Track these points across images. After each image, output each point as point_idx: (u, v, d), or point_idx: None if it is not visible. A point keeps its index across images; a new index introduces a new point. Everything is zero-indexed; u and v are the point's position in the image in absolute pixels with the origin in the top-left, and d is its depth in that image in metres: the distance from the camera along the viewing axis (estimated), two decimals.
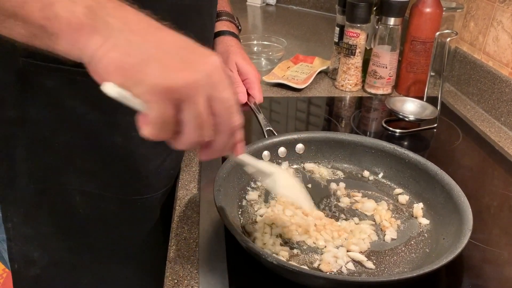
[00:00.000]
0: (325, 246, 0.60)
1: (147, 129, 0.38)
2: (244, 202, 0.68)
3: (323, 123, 1.01)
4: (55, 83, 0.59)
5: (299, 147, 0.78)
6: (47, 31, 0.37)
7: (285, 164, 0.77)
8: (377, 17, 1.06)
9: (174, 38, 0.39)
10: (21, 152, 0.63)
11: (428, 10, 1.01)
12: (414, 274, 0.51)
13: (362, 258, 0.59)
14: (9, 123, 0.62)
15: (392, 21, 1.02)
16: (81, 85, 0.57)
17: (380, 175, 0.76)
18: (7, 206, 0.68)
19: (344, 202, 0.70)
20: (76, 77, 0.58)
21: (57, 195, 0.66)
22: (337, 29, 1.14)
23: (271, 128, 0.82)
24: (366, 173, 0.76)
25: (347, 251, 0.60)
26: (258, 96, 0.79)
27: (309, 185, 0.73)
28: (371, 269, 0.58)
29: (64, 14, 0.36)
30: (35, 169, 0.64)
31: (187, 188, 0.73)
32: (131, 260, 0.75)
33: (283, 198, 0.67)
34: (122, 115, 0.61)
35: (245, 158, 0.51)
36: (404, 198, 0.70)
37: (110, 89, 0.37)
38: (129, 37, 0.36)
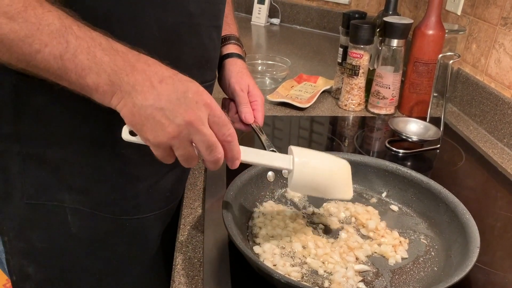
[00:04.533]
0: (334, 267, 0.60)
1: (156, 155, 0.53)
2: (251, 223, 0.68)
3: (326, 142, 1.01)
4: (48, 99, 0.60)
5: None
6: (84, 91, 0.51)
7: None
8: (380, 38, 1.08)
9: (169, 90, 0.51)
10: (14, 167, 0.64)
11: (430, 32, 1.03)
12: None
13: (367, 268, 0.59)
14: (3, 139, 0.63)
15: (395, 42, 1.04)
16: (74, 102, 0.59)
17: (384, 195, 0.76)
18: (3, 221, 0.69)
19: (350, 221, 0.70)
20: (68, 94, 0.59)
21: (50, 212, 0.66)
22: (340, 50, 1.16)
23: (274, 149, 0.82)
24: (369, 193, 0.76)
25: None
26: (260, 120, 0.81)
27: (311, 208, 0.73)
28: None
29: (93, 85, 0.50)
30: (28, 185, 0.65)
31: (191, 207, 0.73)
32: (125, 280, 0.75)
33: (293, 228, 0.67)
34: (112, 132, 0.62)
35: (247, 158, 0.58)
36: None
37: (123, 133, 0.54)
38: (134, 99, 0.50)
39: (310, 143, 0.99)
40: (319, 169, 0.60)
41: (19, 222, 0.68)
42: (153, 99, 0.50)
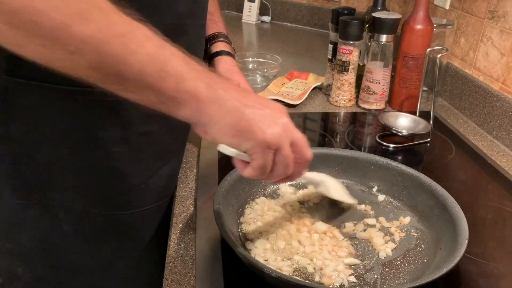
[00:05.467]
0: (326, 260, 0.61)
1: (248, 172, 0.52)
2: (242, 219, 0.68)
3: (318, 138, 1.02)
4: (38, 100, 0.60)
5: None
6: (177, 100, 0.46)
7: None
8: (370, 34, 1.08)
9: (258, 98, 0.51)
10: (4, 168, 0.64)
11: (419, 27, 1.03)
12: (416, 284, 0.51)
13: (356, 261, 0.60)
14: None
15: (384, 38, 1.05)
16: (64, 102, 0.59)
17: (375, 189, 0.76)
18: None
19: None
20: (58, 94, 0.59)
21: (41, 211, 0.66)
22: (330, 46, 1.16)
23: None
24: (361, 187, 0.77)
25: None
26: None
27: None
28: (372, 281, 0.58)
29: (192, 89, 0.46)
30: (19, 185, 0.65)
31: (183, 205, 0.73)
32: (117, 276, 0.75)
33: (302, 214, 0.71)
34: (103, 131, 0.62)
35: (307, 175, 0.65)
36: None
37: (224, 149, 0.51)
38: (235, 104, 0.48)
39: None
40: (333, 180, 0.73)
41: (8, 223, 0.68)
42: (251, 105, 0.49)
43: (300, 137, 0.53)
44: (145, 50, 0.43)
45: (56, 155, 0.64)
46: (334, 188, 0.71)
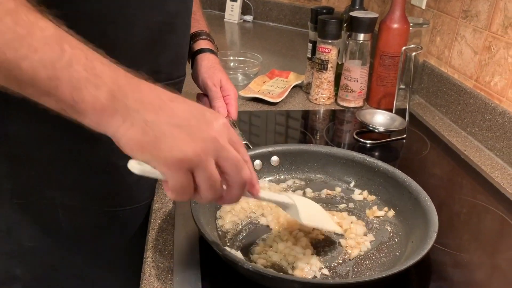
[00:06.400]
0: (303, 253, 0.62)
1: (169, 194, 0.45)
2: (218, 214, 0.69)
3: (297, 135, 1.03)
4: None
5: (274, 159, 0.80)
6: (76, 110, 0.42)
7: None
8: (348, 33, 1.10)
9: (183, 108, 0.45)
10: (3, 168, 0.64)
11: (395, 26, 1.06)
12: (384, 275, 0.53)
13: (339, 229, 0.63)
14: None
15: (361, 36, 1.07)
16: None
17: (352, 184, 0.78)
18: None
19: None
20: None
21: (40, 209, 0.67)
22: (310, 45, 1.18)
23: (247, 142, 0.84)
24: (338, 183, 0.79)
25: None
26: (234, 114, 0.83)
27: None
28: (344, 273, 0.60)
29: (90, 99, 0.41)
30: (18, 185, 0.65)
31: (162, 201, 0.74)
32: (113, 272, 0.76)
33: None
34: None
35: (263, 195, 0.54)
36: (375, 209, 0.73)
37: (132, 166, 0.44)
38: (144, 116, 0.42)
39: (280, 137, 1.01)
40: (311, 202, 0.66)
41: (7, 223, 0.68)
42: (168, 118, 0.43)
43: (231, 156, 0.45)
44: (39, 55, 0.40)
45: (55, 154, 0.64)
46: (305, 213, 0.60)
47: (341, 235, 0.66)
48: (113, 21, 0.60)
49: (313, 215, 0.62)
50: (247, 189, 0.50)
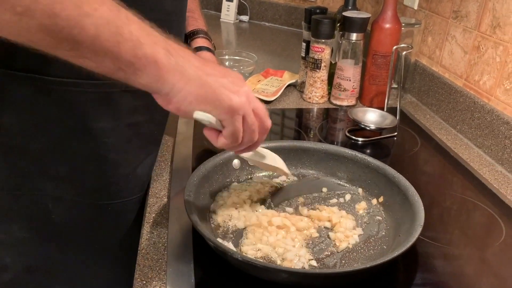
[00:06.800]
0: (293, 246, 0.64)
1: (222, 141, 0.54)
2: (212, 207, 0.71)
3: (292, 133, 1.05)
4: (29, 92, 0.61)
5: None
6: (135, 66, 0.44)
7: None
8: (341, 32, 1.12)
9: (219, 69, 0.52)
10: None
11: (387, 25, 1.07)
12: (368, 266, 0.55)
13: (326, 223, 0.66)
14: None
15: (354, 36, 1.08)
16: (54, 93, 0.60)
17: (343, 180, 0.80)
18: None
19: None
20: (49, 85, 0.60)
21: (31, 201, 0.68)
22: (303, 45, 1.20)
23: None
24: (331, 178, 0.80)
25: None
26: None
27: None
28: (331, 265, 0.62)
29: (151, 55, 0.44)
30: (9, 176, 0.66)
31: (157, 196, 0.76)
32: (104, 264, 0.77)
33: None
34: (94, 122, 0.64)
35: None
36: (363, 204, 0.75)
37: (199, 115, 0.50)
38: (197, 72, 0.48)
39: (274, 135, 1.03)
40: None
41: None
42: (214, 75, 0.50)
43: (260, 106, 0.55)
44: (100, 13, 0.41)
45: (47, 146, 0.65)
46: (273, 158, 0.73)
47: (329, 229, 0.68)
48: None
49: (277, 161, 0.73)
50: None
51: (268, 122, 0.57)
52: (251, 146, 0.58)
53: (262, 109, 0.55)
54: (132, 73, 0.44)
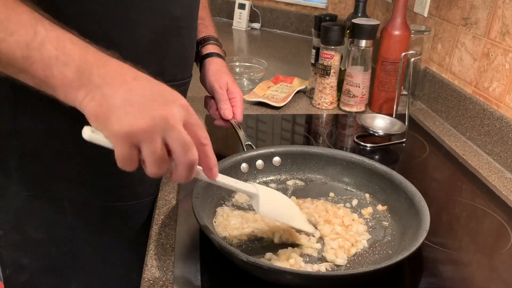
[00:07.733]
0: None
1: (117, 162, 0.49)
2: (219, 211, 0.72)
3: (300, 139, 1.06)
4: (44, 96, 0.63)
5: (276, 160, 0.83)
6: (48, 85, 0.48)
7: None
8: (350, 39, 1.13)
9: (144, 87, 0.48)
10: (11, 162, 0.67)
11: (396, 32, 1.08)
12: (372, 269, 0.56)
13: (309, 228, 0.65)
14: (2, 135, 0.66)
15: (363, 43, 1.09)
16: None
17: (350, 185, 0.80)
18: None
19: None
20: None
21: (47, 202, 0.70)
22: (313, 51, 1.21)
23: (250, 143, 0.87)
24: (338, 184, 0.81)
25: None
26: (239, 116, 0.86)
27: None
28: (336, 268, 0.62)
29: (58, 75, 0.47)
30: (26, 178, 0.68)
31: (166, 198, 0.77)
32: (118, 264, 0.79)
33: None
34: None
35: (222, 179, 0.56)
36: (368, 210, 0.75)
37: (84, 132, 0.49)
38: (104, 90, 0.46)
39: (283, 140, 1.04)
40: (280, 196, 0.65)
41: (15, 215, 0.71)
42: (125, 93, 0.46)
43: (179, 136, 0.47)
44: (14, 38, 0.46)
45: (61, 149, 0.67)
46: (269, 204, 0.60)
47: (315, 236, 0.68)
48: (117, 24, 0.62)
49: (277, 209, 0.62)
50: (204, 172, 0.53)
51: (191, 155, 0.48)
52: (171, 178, 0.52)
53: (181, 138, 0.47)
54: (48, 89, 0.48)
